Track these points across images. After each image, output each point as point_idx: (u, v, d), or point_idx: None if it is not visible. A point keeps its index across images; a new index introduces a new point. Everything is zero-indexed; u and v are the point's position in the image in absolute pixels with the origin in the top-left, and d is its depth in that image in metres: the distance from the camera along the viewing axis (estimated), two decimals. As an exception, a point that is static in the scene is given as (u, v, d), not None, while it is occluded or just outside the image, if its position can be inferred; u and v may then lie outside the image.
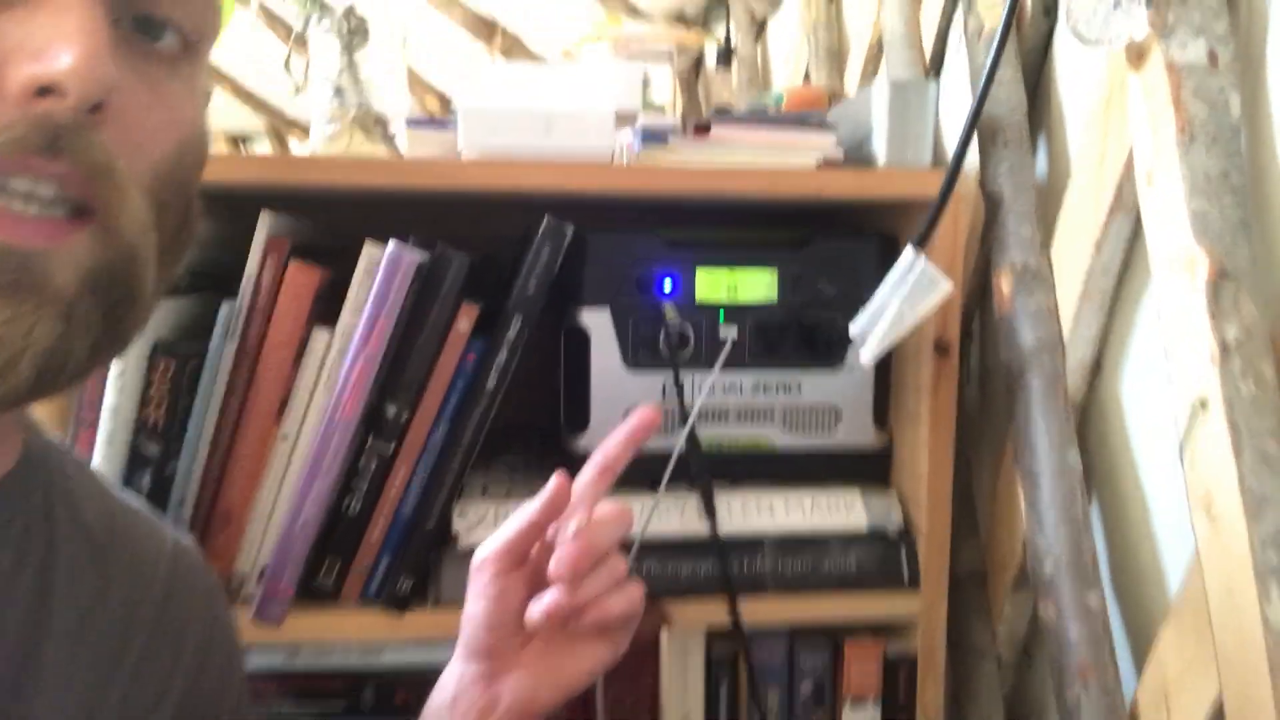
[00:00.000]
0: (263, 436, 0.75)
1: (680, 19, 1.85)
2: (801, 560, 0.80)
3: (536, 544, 0.61)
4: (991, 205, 0.78)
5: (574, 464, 0.79)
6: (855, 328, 0.74)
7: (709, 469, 0.80)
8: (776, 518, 0.81)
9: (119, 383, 0.71)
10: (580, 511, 0.59)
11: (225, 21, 0.59)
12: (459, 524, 0.78)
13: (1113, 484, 0.76)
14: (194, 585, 0.56)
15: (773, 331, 0.82)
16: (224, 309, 0.73)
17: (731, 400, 0.82)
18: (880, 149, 0.79)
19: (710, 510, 0.79)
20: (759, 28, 1.63)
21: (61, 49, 0.35)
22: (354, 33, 0.76)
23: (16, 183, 0.36)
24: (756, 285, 0.81)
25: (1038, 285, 0.75)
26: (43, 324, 0.37)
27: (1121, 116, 0.68)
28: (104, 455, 0.71)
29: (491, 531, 0.61)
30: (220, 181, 0.73)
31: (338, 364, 0.73)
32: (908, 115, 0.79)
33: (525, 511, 0.59)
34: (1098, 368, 0.76)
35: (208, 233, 0.77)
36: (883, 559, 0.81)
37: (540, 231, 0.74)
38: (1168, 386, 0.63)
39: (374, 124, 0.79)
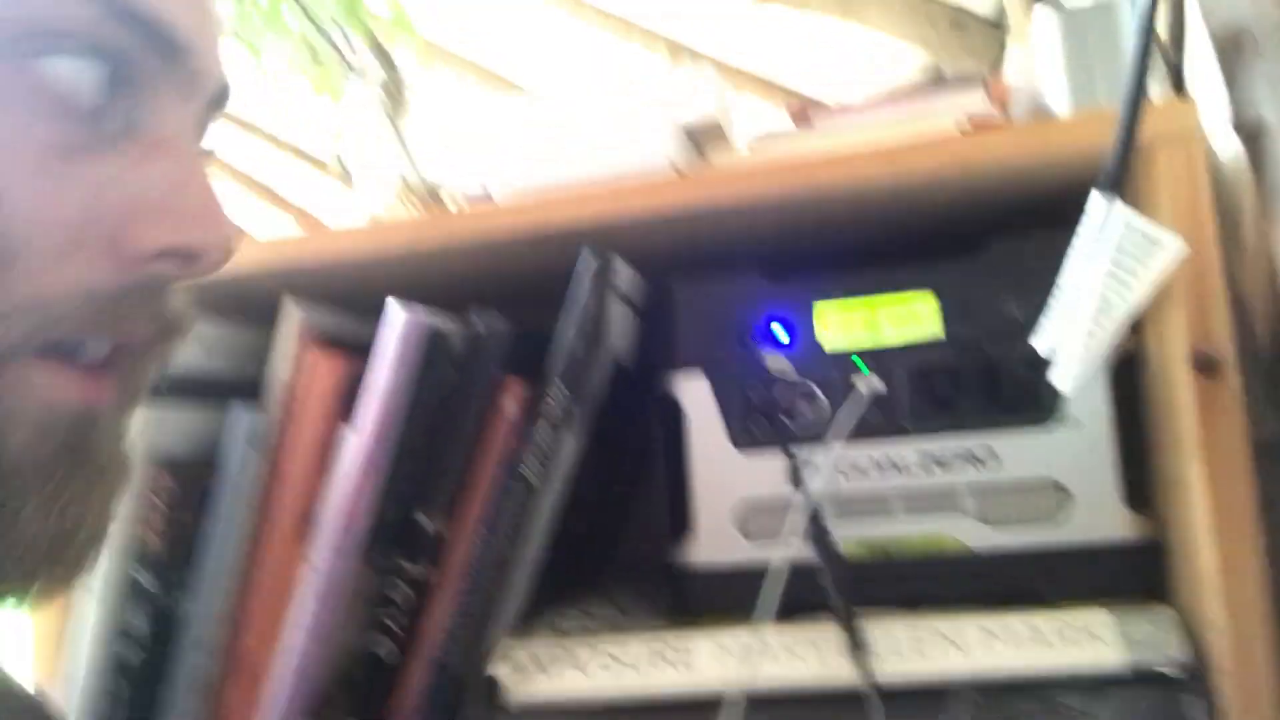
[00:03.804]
0: (285, 562, 0.61)
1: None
2: (1022, 722, 0.51)
3: None
4: (1249, 137, 0.51)
5: (684, 584, 0.58)
6: (1042, 338, 0.49)
7: (850, 582, 0.54)
8: (973, 655, 0.53)
9: (113, 502, 0.60)
10: None
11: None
12: (501, 669, 0.57)
13: None
14: None
15: (941, 380, 0.57)
16: (240, 416, 0.62)
17: (890, 483, 0.57)
18: (1059, 96, 0.55)
19: (859, 645, 0.53)
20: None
21: (205, 219, 0.32)
22: (394, 97, 0.66)
23: (95, 343, 0.31)
24: (909, 318, 0.58)
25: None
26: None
27: None
28: (99, 588, 0.60)
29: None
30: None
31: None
32: (1087, 44, 0.54)
33: None
34: None
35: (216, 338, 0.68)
36: (1158, 716, 0.50)
37: (578, 267, 0.57)
38: None
39: (425, 194, 0.68)
